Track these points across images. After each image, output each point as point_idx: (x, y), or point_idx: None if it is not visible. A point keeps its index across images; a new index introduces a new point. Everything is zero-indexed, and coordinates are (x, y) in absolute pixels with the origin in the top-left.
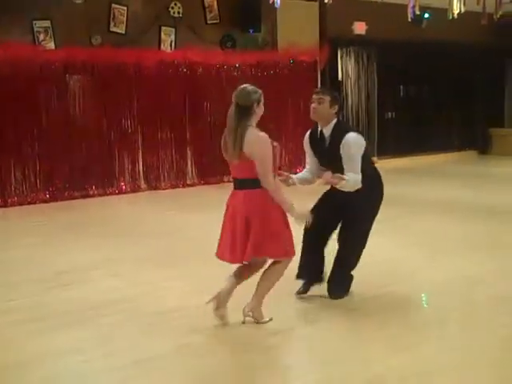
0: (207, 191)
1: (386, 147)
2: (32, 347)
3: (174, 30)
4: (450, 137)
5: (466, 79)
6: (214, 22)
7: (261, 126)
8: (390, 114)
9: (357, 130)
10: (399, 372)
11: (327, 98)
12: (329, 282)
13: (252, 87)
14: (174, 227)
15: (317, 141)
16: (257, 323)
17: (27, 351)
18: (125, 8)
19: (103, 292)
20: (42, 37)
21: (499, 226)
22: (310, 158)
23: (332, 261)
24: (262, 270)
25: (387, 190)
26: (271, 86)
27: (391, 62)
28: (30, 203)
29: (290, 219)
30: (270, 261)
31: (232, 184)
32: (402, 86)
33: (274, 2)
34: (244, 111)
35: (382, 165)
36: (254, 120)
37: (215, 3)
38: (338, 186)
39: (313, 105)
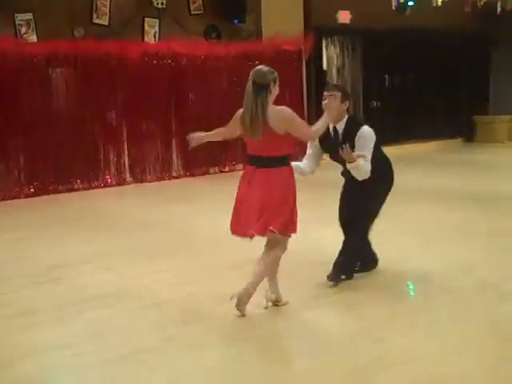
0: (193, 183)
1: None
2: (23, 341)
3: (157, 21)
4: (436, 125)
5: (451, 67)
6: (198, 12)
7: None
8: (375, 103)
9: (367, 123)
10: (385, 360)
11: (338, 94)
12: (333, 267)
13: (268, 68)
14: (161, 220)
15: (329, 137)
16: (277, 305)
17: (18, 345)
18: None
19: (95, 286)
20: (24, 30)
21: (488, 213)
22: (312, 153)
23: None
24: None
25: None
26: None
27: (376, 50)
28: (14, 198)
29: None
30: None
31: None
32: (387, 75)
33: None
34: (261, 89)
35: None
36: (271, 99)
37: None
38: (350, 166)
39: (325, 101)
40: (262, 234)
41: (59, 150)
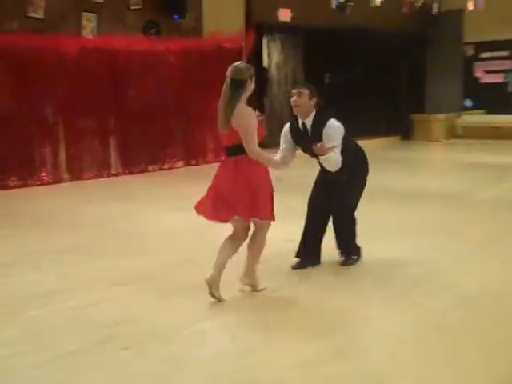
0: (132, 181)
1: None
2: None
3: (95, 15)
4: (375, 123)
5: (389, 66)
6: (137, 7)
7: (190, 113)
8: None
9: (335, 116)
10: (321, 356)
11: (306, 92)
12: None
13: (245, 64)
14: (98, 218)
15: (299, 132)
16: (253, 291)
17: None
18: None
19: (28, 286)
20: None
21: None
22: (285, 147)
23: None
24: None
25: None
26: (197, 73)
27: (316, 49)
28: None
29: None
30: (252, 230)
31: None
32: (327, 73)
33: None
34: (238, 85)
35: None
36: (247, 94)
37: None
38: (322, 159)
39: (293, 98)
40: (226, 219)
41: None
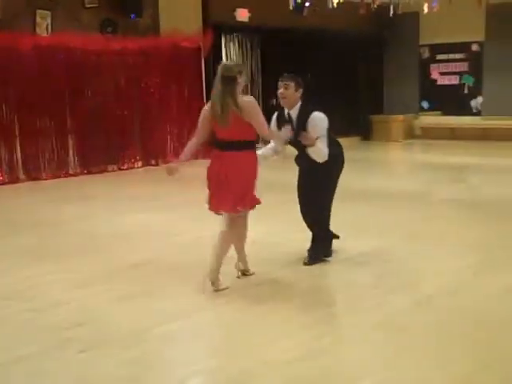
0: (90, 181)
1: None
2: None
3: (49, 13)
4: (335, 123)
5: (347, 67)
6: (93, 5)
7: (149, 112)
8: (274, 100)
9: (320, 110)
10: (284, 357)
11: (292, 84)
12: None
13: (234, 62)
14: (56, 219)
15: (285, 122)
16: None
17: None
18: None
19: None
20: None
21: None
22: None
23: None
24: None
25: (266, 175)
26: (155, 72)
27: (274, 49)
28: None
29: None
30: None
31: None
32: (286, 74)
33: None
34: (229, 81)
35: None
36: (239, 89)
37: None
38: (310, 150)
39: (280, 90)
40: (232, 211)
41: None
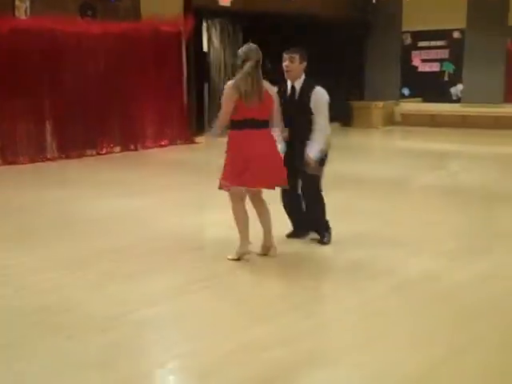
0: (69, 166)
1: None
2: None
3: None
4: None
5: (331, 52)
6: None
7: (128, 97)
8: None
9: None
10: (263, 341)
11: (297, 56)
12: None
13: (249, 46)
14: (33, 204)
15: (287, 93)
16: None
17: None
18: None
19: None
20: None
21: (366, 196)
22: None
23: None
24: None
25: None
26: (134, 56)
27: (256, 34)
28: None
29: None
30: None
31: None
32: (267, 59)
33: None
34: (259, 65)
35: None
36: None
37: None
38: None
39: (285, 63)
40: (279, 185)
41: None
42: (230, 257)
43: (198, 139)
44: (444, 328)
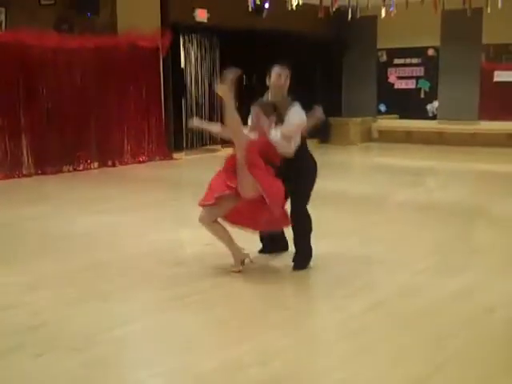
0: (45, 182)
1: None
2: None
3: (4, 9)
4: None
5: (306, 70)
6: (49, 2)
7: (105, 112)
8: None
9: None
10: (243, 359)
11: (288, 73)
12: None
13: None
14: (8, 220)
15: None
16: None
17: None
18: None
19: None
20: None
21: (344, 213)
22: None
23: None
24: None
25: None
26: (111, 72)
27: (233, 50)
28: None
29: None
30: None
31: None
32: (244, 75)
33: None
34: None
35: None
36: None
37: None
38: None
39: (280, 80)
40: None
41: None
42: (234, 269)
43: (177, 155)
44: (423, 344)
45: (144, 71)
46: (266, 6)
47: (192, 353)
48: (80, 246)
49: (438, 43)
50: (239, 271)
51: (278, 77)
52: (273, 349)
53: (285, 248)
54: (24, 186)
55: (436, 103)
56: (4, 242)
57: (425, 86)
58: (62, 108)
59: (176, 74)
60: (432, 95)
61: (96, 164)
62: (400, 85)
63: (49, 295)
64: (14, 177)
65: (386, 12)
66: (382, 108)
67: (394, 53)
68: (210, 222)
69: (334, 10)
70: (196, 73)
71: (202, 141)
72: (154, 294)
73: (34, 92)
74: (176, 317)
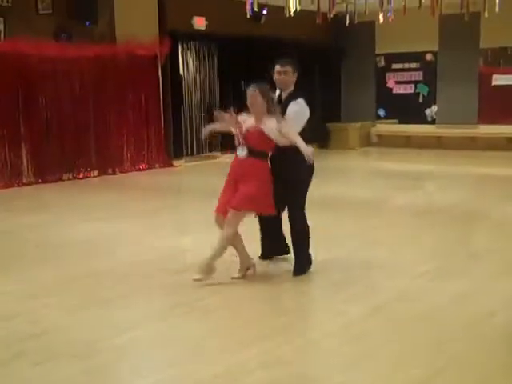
0: (45, 190)
1: (228, 139)
2: None
3: (2, 19)
4: None
5: (305, 76)
6: (47, 12)
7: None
8: (232, 108)
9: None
10: (246, 366)
11: (289, 69)
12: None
13: None
14: (9, 229)
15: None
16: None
17: None
18: None
19: None
20: None
21: (344, 217)
22: None
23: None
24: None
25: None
26: (110, 80)
27: (232, 57)
28: None
29: None
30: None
31: None
32: (243, 81)
33: None
34: None
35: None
36: None
37: None
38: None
39: (280, 76)
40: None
41: None
42: (236, 276)
43: (177, 162)
44: (423, 349)
45: (143, 79)
46: (264, 12)
47: (193, 359)
48: (80, 254)
49: (436, 48)
50: (242, 277)
51: (277, 73)
52: (275, 354)
53: (285, 251)
54: (24, 195)
55: (435, 108)
56: (4, 250)
57: (423, 90)
58: (62, 116)
59: (175, 82)
60: (430, 100)
61: (96, 172)
62: (398, 90)
63: (49, 303)
64: (14, 185)
65: (384, 17)
66: (381, 113)
67: (392, 58)
68: (236, 226)
69: (331, 16)
70: (195, 80)
71: (202, 148)
72: (154, 301)
73: (34, 101)
74: (177, 324)
